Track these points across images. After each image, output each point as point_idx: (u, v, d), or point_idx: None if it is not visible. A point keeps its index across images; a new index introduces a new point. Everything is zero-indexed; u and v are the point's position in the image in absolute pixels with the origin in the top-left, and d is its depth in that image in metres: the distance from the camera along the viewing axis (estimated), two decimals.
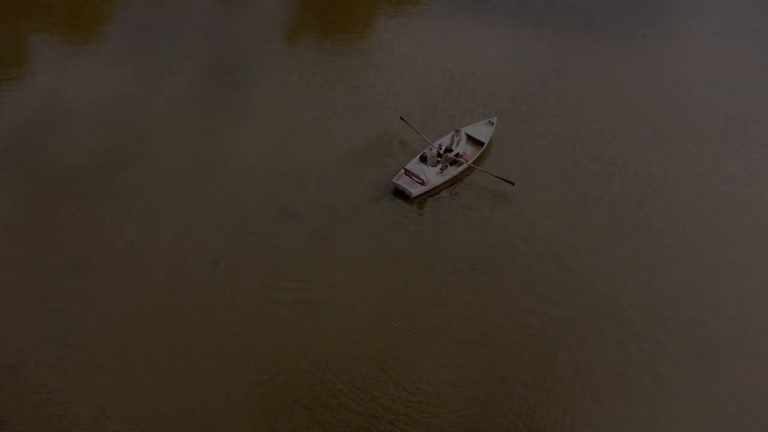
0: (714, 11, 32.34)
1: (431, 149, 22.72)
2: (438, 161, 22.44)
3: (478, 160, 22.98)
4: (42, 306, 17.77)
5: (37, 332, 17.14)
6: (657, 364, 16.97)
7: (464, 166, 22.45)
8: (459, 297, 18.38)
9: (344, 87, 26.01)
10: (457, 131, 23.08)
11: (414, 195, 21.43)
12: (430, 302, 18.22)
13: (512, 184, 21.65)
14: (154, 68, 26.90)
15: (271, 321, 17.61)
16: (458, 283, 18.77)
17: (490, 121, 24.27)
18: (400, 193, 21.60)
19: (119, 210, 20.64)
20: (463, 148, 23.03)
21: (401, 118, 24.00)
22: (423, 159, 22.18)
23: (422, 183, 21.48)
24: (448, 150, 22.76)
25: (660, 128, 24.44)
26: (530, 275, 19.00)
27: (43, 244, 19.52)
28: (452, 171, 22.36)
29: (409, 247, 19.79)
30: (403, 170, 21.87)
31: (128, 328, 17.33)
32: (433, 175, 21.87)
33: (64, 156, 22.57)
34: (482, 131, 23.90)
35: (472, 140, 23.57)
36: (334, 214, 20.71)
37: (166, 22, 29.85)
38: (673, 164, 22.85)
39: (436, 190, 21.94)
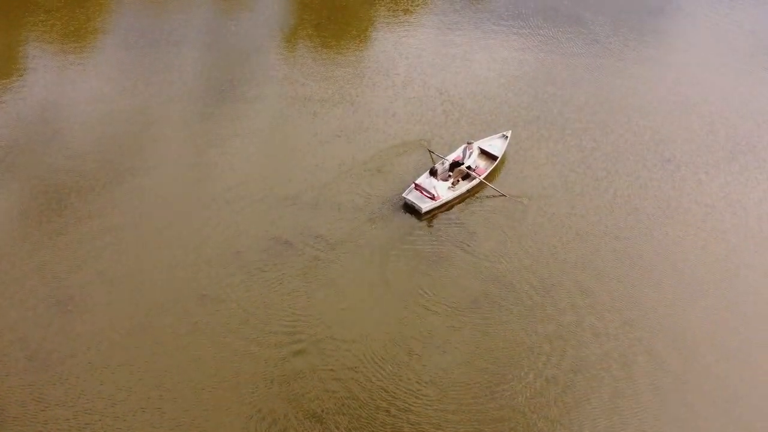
0: (722, 28, 31.45)
1: (443, 163, 22.12)
2: (449, 176, 21.79)
3: (491, 175, 22.32)
4: (20, 351, 16.78)
5: (14, 384, 16.13)
6: (679, 411, 16.13)
7: (476, 181, 21.80)
8: (460, 339, 17.46)
9: (340, 110, 25.09)
10: (470, 143, 22.45)
11: (424, 210, 20.86)
12: (429, 345, 17.32)
13: (522, 201, 21.25)
14: (146, 86, 26.04)
15: (263, 364, 16.74)
16: (459, 322, 17.86)
17: (504, 135, 23.63)
18: (410, 209, 20.98)
19: (105, 241, 19.76)
20: (475, 161, 22.33)
21: (429, 150, 23.22)
22: (433, 173, 21.42)
23: (433, 198, 20.89)
24: (460, 164, 22.07)
25: (667, 153, 23.54)
26: (534, 316, 18.07)
27: (21, 277, 18.62)
28: (464, 186, 21.76)
29: (408, 280, 18.94)
30: (413, 185, 21.27)
31: (112, 379, 16.31)
32: (444, 190, 21.27)
33: (47, 180, 21.71)
34: (496, 145, 23.23)
35: (486, 154, 22.94)
36: (329, 243, 19.87)
37: (161, 37, 28.95)
38: (682, 194, 21.95)
39: (447, 206, 21.33)
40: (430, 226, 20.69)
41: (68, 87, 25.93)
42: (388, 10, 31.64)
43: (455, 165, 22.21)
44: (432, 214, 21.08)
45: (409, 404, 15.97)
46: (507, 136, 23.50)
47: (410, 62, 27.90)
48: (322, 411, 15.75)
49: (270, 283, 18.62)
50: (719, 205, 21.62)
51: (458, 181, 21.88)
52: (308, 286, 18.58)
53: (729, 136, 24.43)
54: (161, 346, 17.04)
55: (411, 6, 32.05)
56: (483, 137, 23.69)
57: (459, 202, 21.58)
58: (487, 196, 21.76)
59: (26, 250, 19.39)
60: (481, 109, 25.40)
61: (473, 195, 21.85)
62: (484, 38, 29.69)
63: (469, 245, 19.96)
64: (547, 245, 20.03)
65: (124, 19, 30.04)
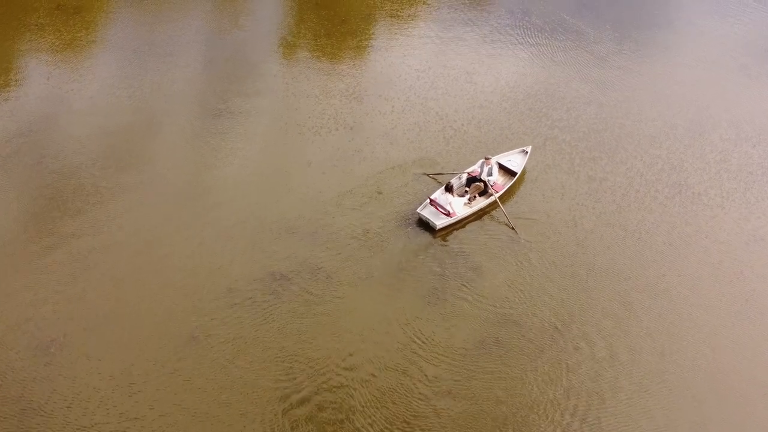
0: (733, 43, 30.41)
1: (459, 177, 21.50)
2: (466, 191, 21.19)
3: (507, 193, 21.66)
4: None
5: None
6: None
7: (492, 198, 21.08)
8: (467, 386, 16.37)
9: (336, 137, 23.95)
10: (487, 159, 21.69)
11: (439, 227, 20.19)
12: (432, 400, 16.14)
13: (515, 232, 20.39)
14: (134, 111, 24.77)
15: (259, 416, 15.62)
16: (467, 366, 16.82)
17: (523, 150, 22.90)
18: (424, 224, 20.33)
19: (90, 275, 18.57)
20: (494, 177, 21.66)
21: (425, 174, 22.33)
22: (449, 189, 20.75)
23: (448, 214, 20.19)
24: (477, 179, 21.42)
25: (679, 185, 22.46)
26: (547, 369, 16.94)
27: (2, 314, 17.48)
28: (480, 202, 21.04)
29: (410, 321, 17.82)
30: (428, 200, 20.59)
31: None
32: (459, 207, 20.61)
33: (32, 200, 20.72)
34: (515, 160, 22.51)
35: (504, 169, 22.26)
36: (328, 276, 18.84)
37: (150, 57, 27.63)
38: (697, 230, 20.87)
39: (462, 223, 20.63)
40: (433, 257, 19.62)
41: (52, 109, 24.79)
42: (387, 27, 30.55)
43: (472, 180, 21.54)
44: (446, 231, 20.34)
45: None
46: (527, 152, 22.76)
47: (410, 84, 26.79)
48: None
49: (266, 324, 17.54)
50: (735, 242, 20.57)
51: (475, 197, 21.24)
52: (307, 327, 17.52)
53: (742, 165, 23.42)
54: (145, 402, 15.82)
55: (410, 21, 30.97)
56: (501, 152, 23.08)
57: (475, 219, 20.85)
58: (499, 221, 20.90)
59: (7, 282, 18.33)
60: (484, 136, 24.29)
61: (489, 212, 21.10)
62: (486, 57, 28.62)
63: (474, 285, 18.84)
64: (557, 287, 18.94)
65: (111, 38, 28.87)
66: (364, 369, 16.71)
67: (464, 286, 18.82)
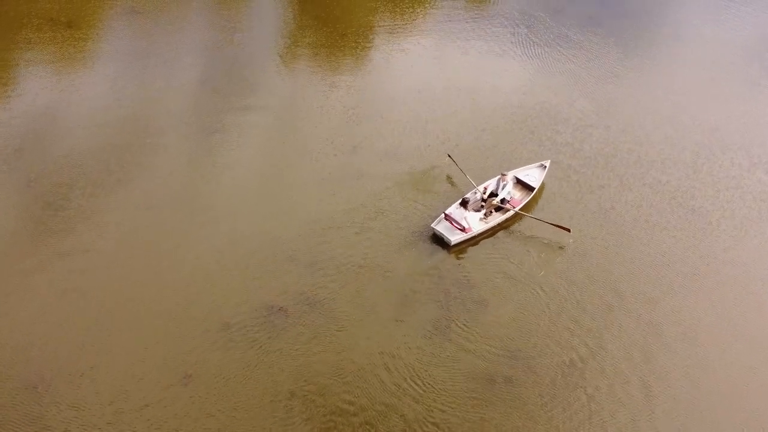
0: (743, 55, 29.83)
1: (475, 193, 21.02)
2: (482, 206, 20.74)
3: (527, 207, 21.11)
4: None
5: None
6: None
7: (510, 213, 20.60)
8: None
9: (335, 160, 23.21)
10: (503, 175, 21.30)
11: (453, 243, 19.75)
12: None
13: (568, 230, 19.98)
14: (123, 132, 23.99)
15: None
16: (476, 407, 16.12)
17: (542, 165, 22.44)
18: (438, 240, 19.72)
19: (80, 306, 17.85)
20: (510, 193, 21.15)
21: (449, 156, 22.52)
22: (464, 203, 20.40)
23: (463, 230, 19.71)
24: (493, 194, 20.98)
25: (690, 215, 21.71)
26: (558, 403, 16.24)
27: None
28: (496, 218, 20.59)
29: (412, 364, 17.02)
30: (443, 215, 20.11)
31: None
32: (475, 222, 20.22)
33: (19, 229, 20.03)
34: (533, 175, 22.03)
35: (522, 184, 21.79)
36: (328, 309, 18.12)
37: (145, 77, 26.87)
38: (709, 264, 20.14)
39: (477, 239, 20.19)
40: (439, 285, 18.88)
41: (41, 127, 24.04)
42: (388, 43, 29.87)
43: (489, 195, 21.09)
44: (461, 246, 19.89)
45: None
46: (545, 166, 22.29)
47: (411, 105, 26.05)
48: None
49: (262, 361, 16.83)
50: (753, 275, 19.80)
51: (491, 212, 20.76)
52: (304, 364, 16.80)
53: (756, 194, 22.62)
54: None
55: (411, 37, 30.28)
56: (520, 166, 22.73)
57: (490, 235, 20.40)
58: (522, 231, 20.47)
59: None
60: (486, 160, 23.47)
61: (506, 228, 20.69)
62: (489, 76, 27.93)
63: (482, 318, 18.07)
64: (564, 326, 18.16)
65: (103, 53, 28.17)
66: (364, 408, 16.02)
67: (472, 319, 18.11)
